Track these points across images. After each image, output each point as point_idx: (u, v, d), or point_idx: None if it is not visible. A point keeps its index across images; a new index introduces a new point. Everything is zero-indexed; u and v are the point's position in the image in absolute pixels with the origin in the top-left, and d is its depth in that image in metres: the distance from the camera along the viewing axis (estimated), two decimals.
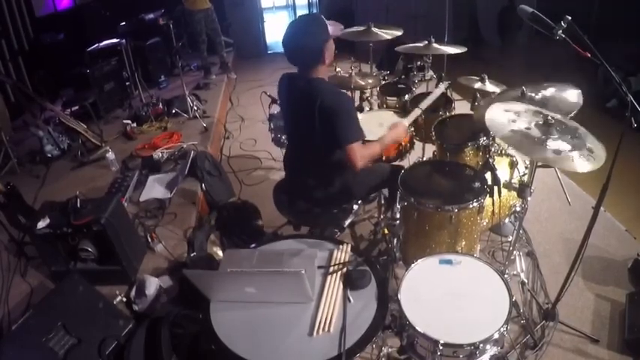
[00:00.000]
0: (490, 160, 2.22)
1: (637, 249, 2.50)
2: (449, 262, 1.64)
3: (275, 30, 8.03)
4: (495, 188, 2.08)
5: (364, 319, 1.40)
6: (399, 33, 3.15)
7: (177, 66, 4.54)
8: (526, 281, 2.33)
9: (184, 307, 1.96)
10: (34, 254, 2.36)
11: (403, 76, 3.34)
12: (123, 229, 2.19)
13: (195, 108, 4.37)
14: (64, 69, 4.78)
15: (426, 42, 3.00)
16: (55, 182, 3.35)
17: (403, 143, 2.62)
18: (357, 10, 6.81)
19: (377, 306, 1.45)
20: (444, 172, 2.21)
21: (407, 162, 2.73)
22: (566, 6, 2.15)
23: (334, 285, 1.52)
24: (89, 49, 4.76)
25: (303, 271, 1.36)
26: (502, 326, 1.37)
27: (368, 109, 3.23)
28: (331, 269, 1.58)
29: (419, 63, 3.32)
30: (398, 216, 1.67)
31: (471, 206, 1.94)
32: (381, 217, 2.65)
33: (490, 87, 2.65)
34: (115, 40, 4.77)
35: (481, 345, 1.35)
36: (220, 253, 2.55)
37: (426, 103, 2.34)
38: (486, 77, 2.68)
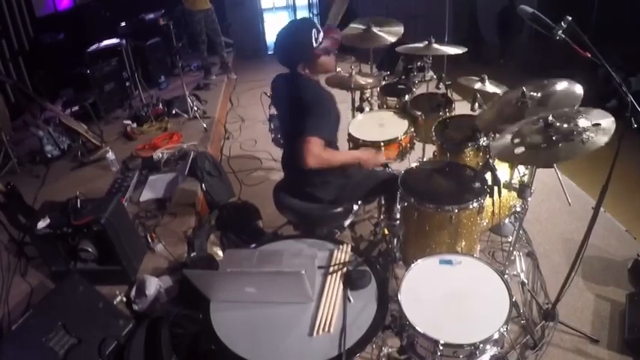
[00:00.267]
0: (490, 161, 2.22)
1: (637, 249, 2.51)
2: (449, 262, 1.64)
3: (275, 30, 8.03)
4: (495, 188, 2.07)
5: (364, 320, 1.40)
6: (399, 29, 3.13)
7: (178, 66, 4.55)
8: (526, 281, 2.33)
9: (184, 307, 1.96)
10: (34, 254, 2.36)
11: (403, 77, 3.33)
12: (123, 229, 2.19)
13: (196, 108, 4.37)
14: (64, 69, 4.78)
15: (426, 42, 3.00)
16: (55, 182, 3.36)
17: (403, 143, 2.62)
18: (357, 10, 6.81)
19: (377, 306, 1.45)
20: (444, 173, 2.21)
21: (407, 162, 2.73)
22: (566, 6, 2.15)
23: (334, 285, 1.52)
24: (89, 49, 4.77)
25: (303, 271, 1.36)
26: (502, 326, 1.37)
27: (368, 109, 3.22)
28: (331, 269, 1.58)
29: (419, 63, 3.31)
30: (398, 216, 1.67)
31: (471, 206, 1.93)
32: (381, 217, 2.65)
33: (490, 87, 2.65)
34: (115, 41, 4.78)
35: (481, 345, 1.35)
36: (220, 253, 2.55)
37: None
38: (486, 77, 2.67)
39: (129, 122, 4.09)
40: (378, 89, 3.23)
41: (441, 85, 3.14)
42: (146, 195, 2.94)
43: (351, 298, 1.48)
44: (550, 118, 1.68)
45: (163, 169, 3.24)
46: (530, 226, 2.80)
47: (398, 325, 1.50)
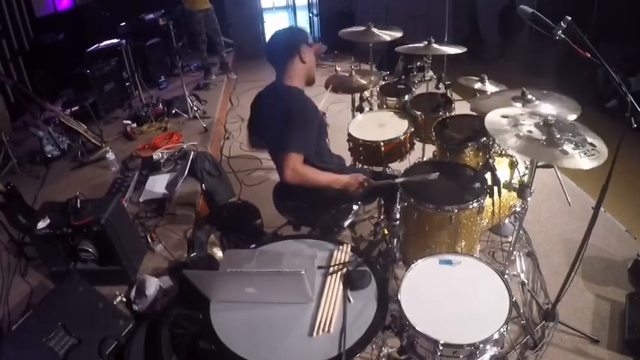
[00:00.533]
0: (490, 161, 2.22)
1: (637, 249, 2.51)
2: (449, 262, 1.64)
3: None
4: (495, 188, 2.07)
5: (364, 320, 1.40)
6: (399, 34, 3.14)
7: (177, 66, 4.55)
8: (526, 281, 2.33)
9: (184, 307, 1.96)
10: (34, 254, 2.36)
11: (403, 77, 3.34)
12: (123, 229, 2.19)
13: (195, 108, 4.37)
14: (64, 69, 4.78)
15: (426, 42, 3.00)
16: (55, 182, 3.35)
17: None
18: (357, 10, 6.81)
19: (377, 306, 1.45)
20: (444, 173, 2.21)
21: (407, 162, 2.73)
22: (566, 6, 2.15)
23: (334, 285, 1.52)
24: (89, 49, 4.76)
25: (303, 272, 1.36)
26: (502, 326, 1.37)
27: (368, 109, 3.23)
28: (331, 269, 1.58)
29: (419, 63, 3.33)
30: (398, 216, 1.67)
31: (470, 207, 1.94)
32: (381, 217, 2.64)
33: (490, 87, 2.65)
34: (114, 41, 4.77)
35: (481, 345, 1.35)
36: (220, 253, 2.55)
37: None
38: (486, 77, 2.68)
39: (129, 122, 4.08)
40: (378, 89, 3.23)
41: (441, 85, 3.14)
42: (146, 195, 2.94)
43: (351, 299, 1.48)
44: (550, 118, 1.68)
45: (163, 169, 3.23)
46: (530, 226, 2.80)
47: (398, 325, 1.50)
